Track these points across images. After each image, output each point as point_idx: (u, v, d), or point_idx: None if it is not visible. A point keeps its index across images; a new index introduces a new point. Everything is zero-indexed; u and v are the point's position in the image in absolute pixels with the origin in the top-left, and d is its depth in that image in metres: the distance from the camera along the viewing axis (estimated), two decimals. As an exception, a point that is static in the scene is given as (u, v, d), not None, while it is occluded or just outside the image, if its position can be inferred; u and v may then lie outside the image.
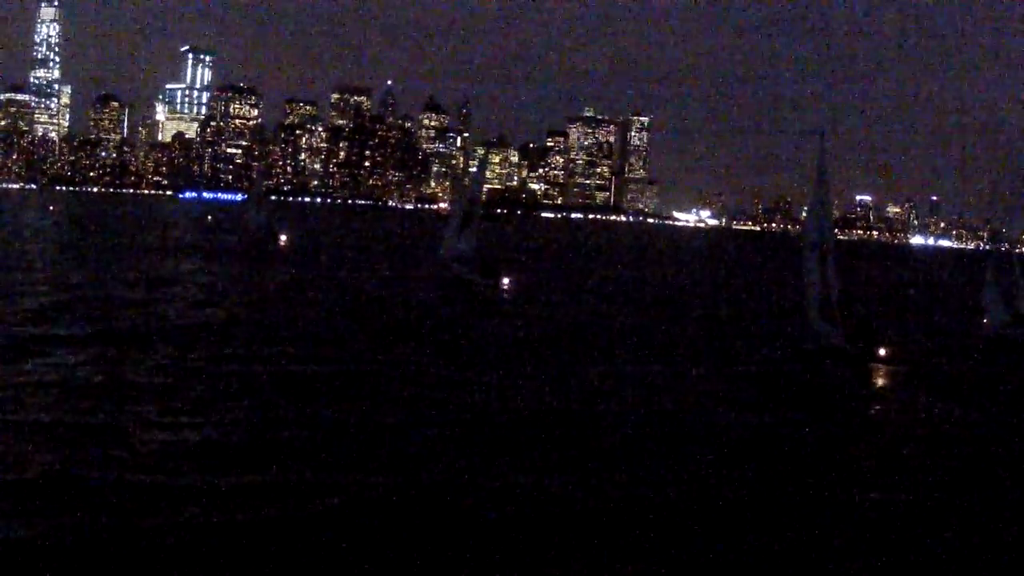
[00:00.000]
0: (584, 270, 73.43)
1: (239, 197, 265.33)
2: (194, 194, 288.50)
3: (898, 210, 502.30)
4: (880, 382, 27.30)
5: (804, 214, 36.48)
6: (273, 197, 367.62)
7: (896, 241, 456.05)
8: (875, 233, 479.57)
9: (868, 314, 33.12)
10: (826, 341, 28.56)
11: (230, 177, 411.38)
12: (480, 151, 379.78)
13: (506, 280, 45.44)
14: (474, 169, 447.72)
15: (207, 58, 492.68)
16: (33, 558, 10.71)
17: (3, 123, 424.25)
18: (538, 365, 25.57)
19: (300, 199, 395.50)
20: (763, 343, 33.26)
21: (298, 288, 42.89)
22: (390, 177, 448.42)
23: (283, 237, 72.39)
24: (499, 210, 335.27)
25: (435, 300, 42.55)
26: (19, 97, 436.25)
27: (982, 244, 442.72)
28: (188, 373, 21.32)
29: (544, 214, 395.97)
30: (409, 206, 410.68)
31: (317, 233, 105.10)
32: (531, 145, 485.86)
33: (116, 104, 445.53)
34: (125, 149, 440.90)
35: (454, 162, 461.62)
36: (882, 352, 28.35)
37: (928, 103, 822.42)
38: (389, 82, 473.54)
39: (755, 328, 38.88)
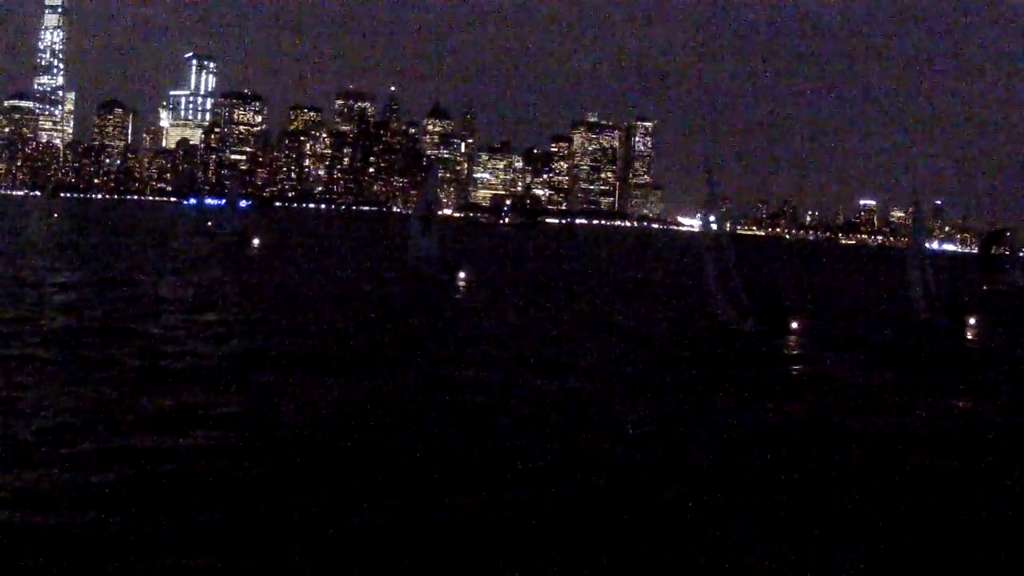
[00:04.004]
0: (546, 270, 75.70)
1: (244, 203, 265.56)
2: (196, 200, 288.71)
3: (902, 214, 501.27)
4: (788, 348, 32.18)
5: (704, 221, 43.23)
6: (278, 203, 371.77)
7: (902, 245, 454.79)
8: (879, 238, 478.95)
9: (779, 297, 38.59)
10: (736, 324, 32.76)
11: (234, 183, 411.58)
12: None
13: (462, 274, 49.61)
14: (484, 174, 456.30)
15: (211, 64, 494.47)
16: None
17: (7, 130, 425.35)
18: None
19: (304, 205, 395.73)
20: (687, 328, 37.33)
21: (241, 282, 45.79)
22: (394, 183, 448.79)
23: (255, 241, 76.48)
24: (530, 219, 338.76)
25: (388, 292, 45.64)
26: (23, 104, 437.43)
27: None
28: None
29: (548, 219, 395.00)
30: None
31: (290, 237, 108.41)
32: (535, 150, 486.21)
33: (120, 111, 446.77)
34: (129, 156, 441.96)
35: (458, 168, 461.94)
36: (794, 325, 33.56)
37: (930, 106, 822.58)
38: (393, 88, 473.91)
39: (685, 317, 42.42)
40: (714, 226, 35.71)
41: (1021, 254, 77.69)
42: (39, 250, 60.77)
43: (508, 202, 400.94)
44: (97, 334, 26.28)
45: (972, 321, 41.67)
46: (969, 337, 39.84)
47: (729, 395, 22.70)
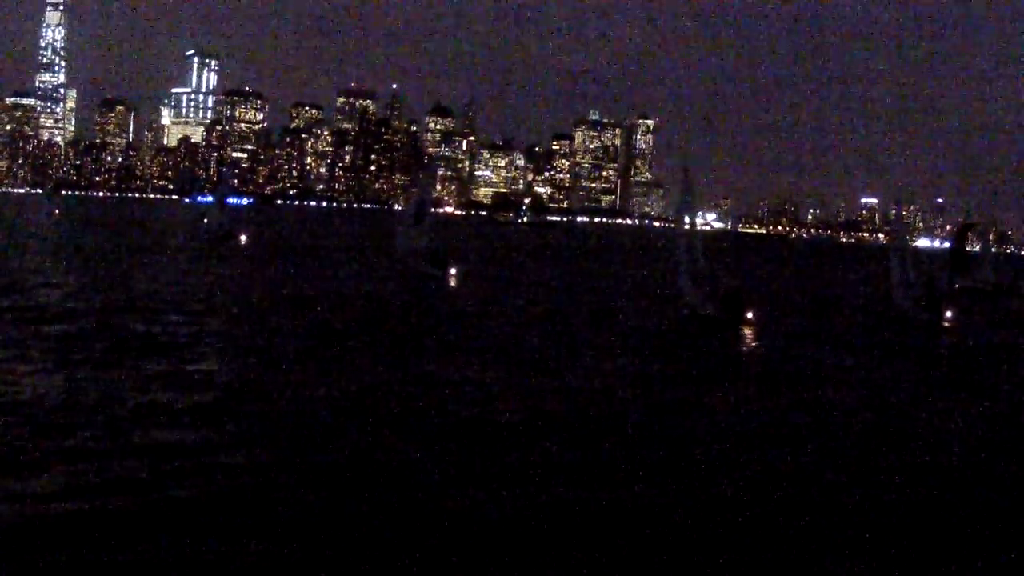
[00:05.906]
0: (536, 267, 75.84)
1: (244, 201, 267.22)
2: (196, 198, 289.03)
3: (903, 212, 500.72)
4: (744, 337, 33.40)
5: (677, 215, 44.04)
6: (280, 201, 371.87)
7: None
8: (881, 236, 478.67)
9: (738, 287, 39.34)
10: (701, 310, 34.40)
11: (236, 181, 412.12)
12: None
13: (453, 270, 49.54)
14: (486, 172, 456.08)
15: (213, 62, 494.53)
16: None
17: (9, 128, 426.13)
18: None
19: (306, 203, 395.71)
20: (648, 317, 38.52)
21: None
22: (396, 181, 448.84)
23: (243, 238, 78.03)
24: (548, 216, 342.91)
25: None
26: (24, 101, 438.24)
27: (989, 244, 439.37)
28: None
29: (549, 217, 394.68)
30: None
31: (280, 234, 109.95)
32: (536, 148, 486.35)
33: (121, 108, 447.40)
34: (131, 153, 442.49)
35: (460, 165, 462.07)
36: (749, 315, 34.56)
37: (930, 105, 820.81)
38: (394, 86, 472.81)
39: (653, 308, 43.07)
40: (687, 225, 36.92)
41: (1006, 249, 77.50)
42: (37, 248, 61.10)
43: (527, 201, 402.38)
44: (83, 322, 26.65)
45: (949, 314, 41.88)
46: (946, 326, 40.00)
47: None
